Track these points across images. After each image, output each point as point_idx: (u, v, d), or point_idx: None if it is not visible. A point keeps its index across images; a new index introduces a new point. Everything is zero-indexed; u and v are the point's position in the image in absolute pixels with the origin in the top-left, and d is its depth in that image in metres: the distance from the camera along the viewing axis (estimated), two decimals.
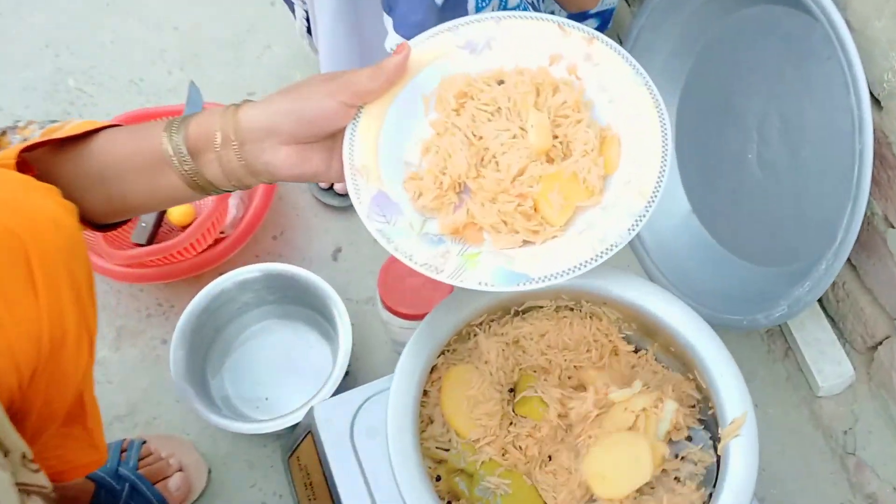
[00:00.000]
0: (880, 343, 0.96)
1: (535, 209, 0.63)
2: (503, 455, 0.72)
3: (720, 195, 1.08)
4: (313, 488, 0.87)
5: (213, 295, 1.04)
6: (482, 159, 0.64)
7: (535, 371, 0.76)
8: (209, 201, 1.17)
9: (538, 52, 0.68)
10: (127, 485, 0.93)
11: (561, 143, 0.65)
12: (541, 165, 0.63)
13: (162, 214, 1.16)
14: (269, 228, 1.20)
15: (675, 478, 0.69)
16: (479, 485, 0.70)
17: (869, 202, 0.88)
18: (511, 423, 0.73)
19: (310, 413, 0.85)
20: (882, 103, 0.84)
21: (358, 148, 0.63)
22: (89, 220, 0.66)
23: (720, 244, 1.08)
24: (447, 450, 0.72)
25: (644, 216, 0.60)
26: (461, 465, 0.71)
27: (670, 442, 0.70)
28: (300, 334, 1.10)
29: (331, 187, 1.21)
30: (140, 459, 0.96)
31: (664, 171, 0.61)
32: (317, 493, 0.86)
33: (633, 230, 0.60)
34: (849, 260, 0.96)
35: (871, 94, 0.83)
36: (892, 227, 0.89)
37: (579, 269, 0.59)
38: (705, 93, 1.08)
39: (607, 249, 0.59)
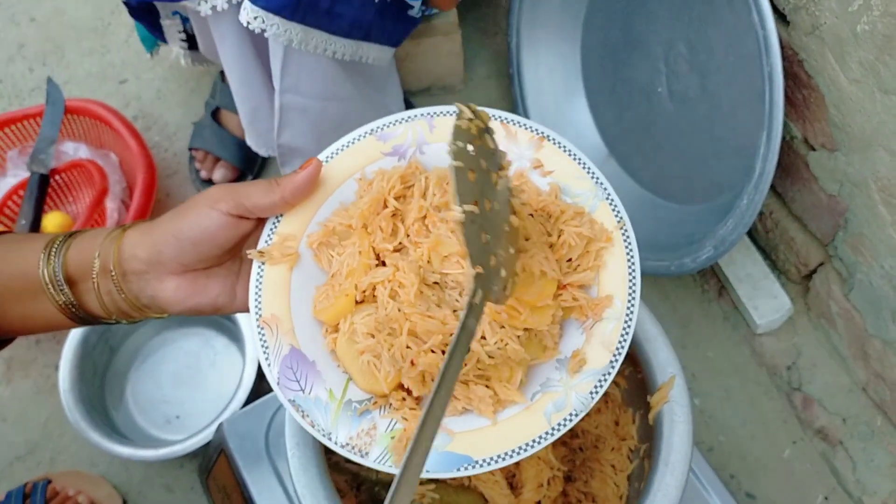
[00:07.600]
0: (814, 271, 0.92)
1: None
2: None
3: (636, 135, 1.02)
4: None
5: None
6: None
7: None
8: (83, 207, 1.07)
9: None
10: None
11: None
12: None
13: (37, 227, 1.05)
14: None
15: None
16: None
17: (786, 125, 0.83)
18: None
19: (219, 429, 0.78)
20: (788, 17, 0.77)
21: (267, 292, 0.50)
22: None
23: (641, 186, 1.02)
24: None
25: (609, 374, 0.49)
26: (374, 478, 0.65)
27: None
28: (205, 340, 1.02)
29: (210, 179, 1.11)
30: (47, 502, 0.89)
31: (633, 311, 0.50)
32: None
33: (597, 393, 0.49)
34: (774, 188, 0.91)
35: (776, 8, 0.77)
36: (813, 149, 0.83)
37: (531, 447, 0.48)
38: (608, 25, 1.01)
39: (565, 421, 0.49)
